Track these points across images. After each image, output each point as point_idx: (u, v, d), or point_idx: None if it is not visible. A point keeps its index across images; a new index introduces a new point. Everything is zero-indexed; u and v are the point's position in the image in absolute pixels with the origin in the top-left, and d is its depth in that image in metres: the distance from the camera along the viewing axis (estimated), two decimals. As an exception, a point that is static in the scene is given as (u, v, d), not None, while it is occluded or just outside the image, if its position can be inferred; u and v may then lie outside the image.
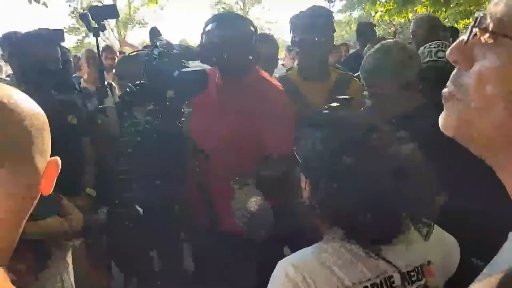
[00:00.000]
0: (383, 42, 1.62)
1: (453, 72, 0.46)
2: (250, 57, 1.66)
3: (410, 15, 7.44)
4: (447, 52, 0.47)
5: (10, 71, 3.41)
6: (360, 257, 0.84)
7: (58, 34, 2.04)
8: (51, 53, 1.80)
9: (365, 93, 1.98)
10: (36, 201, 0.60)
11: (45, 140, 0.60)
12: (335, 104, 1.44)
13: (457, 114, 0.45)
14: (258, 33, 1.74)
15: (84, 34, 20.92)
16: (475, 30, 0.43)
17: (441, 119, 0.47)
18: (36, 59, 1.72)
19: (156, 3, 5.73)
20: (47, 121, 0.61)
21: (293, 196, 1.04)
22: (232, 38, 1.60)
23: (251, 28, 1.67)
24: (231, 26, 1.63)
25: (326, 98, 1.74)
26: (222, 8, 22.66)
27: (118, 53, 4.13)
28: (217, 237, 1.60)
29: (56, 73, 1.83)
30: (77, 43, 20.06)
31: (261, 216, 1.30)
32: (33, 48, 1.74)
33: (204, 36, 1.65)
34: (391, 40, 1.75)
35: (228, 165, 1.59)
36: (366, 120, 0.97)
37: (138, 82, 1.50)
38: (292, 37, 1.91)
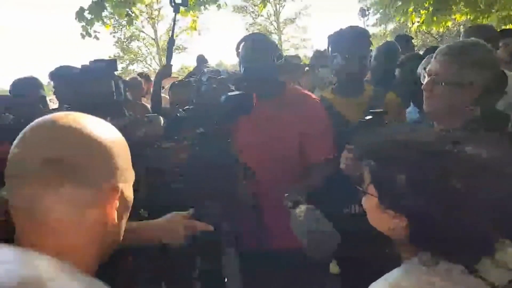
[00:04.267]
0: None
1: None
2: (275, 75, 1.75)
3: (449, 24, 7.23)
4: None
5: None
6: (461, 277, 0.77)
7: (112, 65, 2.21)
8: (107, 86, 1.95)
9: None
10: None
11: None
12: (368, 117, 1.45)
13: None
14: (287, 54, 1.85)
15: (127, 62, 22.09)
16: None
17: None
18: (93, 92, 1.88)
19: (195, 29, 5.98)
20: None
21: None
22: (255, 59, 1.72)
23: (272, 46, 1.78)
24: (254, 48, 1.75)
25: (363, 113, 1.79)
26: (257, 29, 23.17)
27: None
28: (268, 255, 1.64)
29: (111, 103, 1.98)
30: (122, 70, 21.19)
31: (327, 238, 1.31)
32: (90, 82, 1.90)
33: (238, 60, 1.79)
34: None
35: (275, 180, 1.65)
36: (436, 136, 0.90)
37: (187, 107, 1.59)
38: (330, 54, 1.97)
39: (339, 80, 1.97)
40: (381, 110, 1.44)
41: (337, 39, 1.92)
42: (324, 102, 1.90)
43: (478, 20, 6.28)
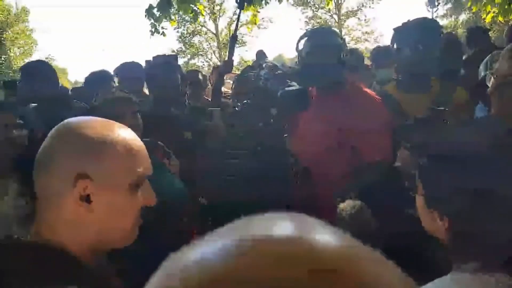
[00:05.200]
0: None
1: None
2: (341, 70, 1.71)
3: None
4: None
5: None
6: None
7: (174, 60, 2.32)
8: (174, 80, 2.07)
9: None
10: None
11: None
12: (426, 114, 1.37)
13: None
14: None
15: (189, 56, 22.87)
16: None
17: None
18: (161, 85, 2.00)
19: (255, 23, 6.02)
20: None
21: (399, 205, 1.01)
22: (320, 53, 1.68)
23: (339, 41, 1.73)
24: (318, 42, 1.70)
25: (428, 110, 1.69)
26: (317, 22, 22.78)
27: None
28: None
29: (176, 96, 2.09)
30: (183, 64, 21.94)
31: (361, 222, 1.28)
32: (158, 76, 2.03)
33: (298, 54, 1.76)
34: None
35: (328, 178, 1.64)
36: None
37: (245, 101, 1.63)
38: (395, 47, 1.89)
39: (404, 75, 1.89)
40: (442, 108, 1.37)
41: (404, 31, 1.84)
42: (387, 98, 1.84)
43: None
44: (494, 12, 6.29)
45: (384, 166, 1.62)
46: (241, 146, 1.74)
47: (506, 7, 5.61)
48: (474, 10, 6.90)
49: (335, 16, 23.25)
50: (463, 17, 16.89)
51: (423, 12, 16.68)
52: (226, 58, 2.56)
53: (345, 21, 23.48)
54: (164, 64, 2.20)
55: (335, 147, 1.70)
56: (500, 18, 6.61)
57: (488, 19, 6.73)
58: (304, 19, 23.61)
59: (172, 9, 5.15)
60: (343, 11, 23.30)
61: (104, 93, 1.60)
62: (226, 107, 2.43)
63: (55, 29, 59.01)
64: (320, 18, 23.28)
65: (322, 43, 1.72)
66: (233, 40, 2.50)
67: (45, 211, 0.73)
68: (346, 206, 1.33)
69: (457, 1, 15.06)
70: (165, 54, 2.59)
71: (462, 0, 13.15)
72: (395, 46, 1.88)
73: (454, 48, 2.44)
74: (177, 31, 21.94)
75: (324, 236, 0.26)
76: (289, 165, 1.70)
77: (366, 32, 23.84)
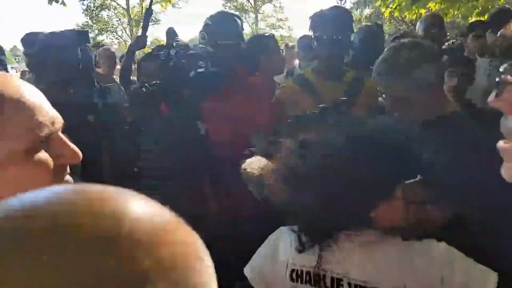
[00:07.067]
0: (400, 41, 1.53)
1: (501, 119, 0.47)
2: (238, 58, 1.73)
3: (422, 11, 7.31)
4: (489, 101, 0.48)
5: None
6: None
7: (83, 36, 2.07)
8: (73, 56, 1.84)
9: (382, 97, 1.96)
10: None
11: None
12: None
13: None
14: (259, 33, 1.84)
15: (96, 31, 21.16)
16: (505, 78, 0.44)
17: (505, 171, 0.47)
18: (58, 60, 1.77)
19: (170, 1, 5.76)
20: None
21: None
22: (225, 38, 1.71)
23: (239, 27, 1.76)
24: (217, 27, 1.71)
25: (341, 97, 1.76)
26: (233, 6, 22.67)
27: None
28: (228, 224, 1.64)
29: (77, 73, 1.88)
30: (90, 40, 20.25)
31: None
32: (56, 49, 1.79)
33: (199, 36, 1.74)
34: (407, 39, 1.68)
35: (234, 161, 1.65)
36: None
37: (154, 82, 1.53)
38: (311, 35, 1.93)
39: (319, 62, 1.94)
40: (343, 98, 1.42)
41: (318, 19, 1.88)
42: (304, 82, 1.88)
43: (450, 9, 6.38)
44: (391, 8, 6.94)
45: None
46: (150, 129, 1.64)
47: (404, 3, 6.19)
48: (375, 5, 7.49)
49: (251, 1, 23.37)
50: (367, 11, 18.20)
51: (333, 3, 17.64)
52: (139, 34, 2.38)
53: (261, 6, 23.75)
54: (63, 38, 1.95)
55: (240, 132, 1.71)
56: (396, 13, 7.31)
57: (386, 14, 7.41)
58: (222, 1, 23.36)
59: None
60: (259, -4, 23.53)
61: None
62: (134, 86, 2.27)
63: None
64: (237, 1, 23.21)
65: (223, 27, 1.73)
66: (148, 14, 2.33)
67: None
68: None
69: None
70: (74, 29, 2.30)
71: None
72: (311, 32, 1.92)
73: (371, 40, 2.56)
74: (83, 4, 20.13)
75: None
76: (200, 148, 1.66)
77: (280, 19, 24.44)
